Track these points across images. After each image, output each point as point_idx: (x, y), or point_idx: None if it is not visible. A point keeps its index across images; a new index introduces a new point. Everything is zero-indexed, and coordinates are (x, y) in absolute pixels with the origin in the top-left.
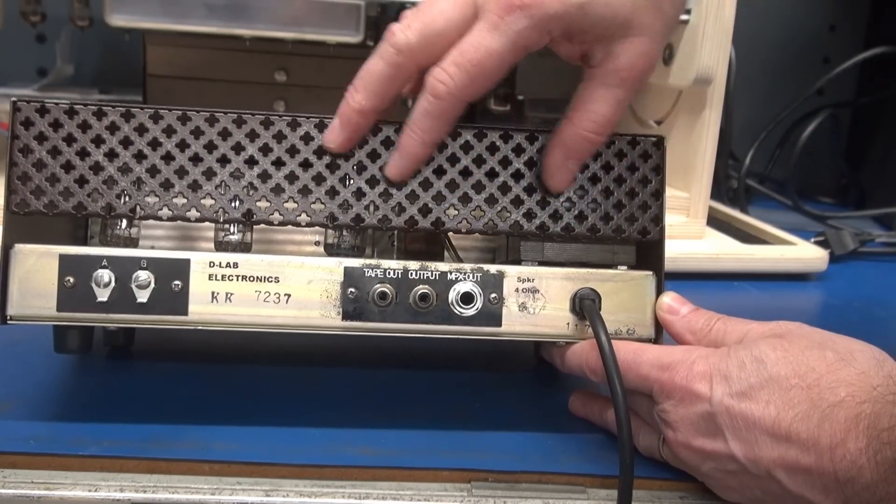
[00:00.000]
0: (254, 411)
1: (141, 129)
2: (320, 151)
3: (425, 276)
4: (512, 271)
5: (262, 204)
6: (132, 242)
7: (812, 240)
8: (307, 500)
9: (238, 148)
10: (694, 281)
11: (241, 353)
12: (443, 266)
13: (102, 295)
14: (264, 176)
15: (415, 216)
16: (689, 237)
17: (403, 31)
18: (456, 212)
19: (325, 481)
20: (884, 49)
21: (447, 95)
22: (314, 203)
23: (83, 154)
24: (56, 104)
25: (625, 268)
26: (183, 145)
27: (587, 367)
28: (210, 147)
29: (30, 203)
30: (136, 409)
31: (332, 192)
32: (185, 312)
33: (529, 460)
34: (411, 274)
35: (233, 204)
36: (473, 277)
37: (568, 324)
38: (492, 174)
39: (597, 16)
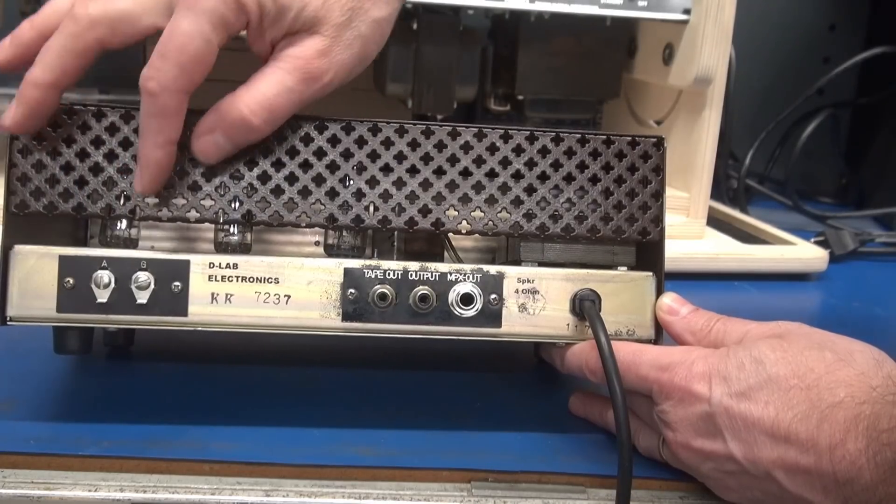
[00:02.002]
0: (254, 411)
1: None
2: (320, 152)
3: (425, 276)
4: (512, 272)
5: (262, 205)
6: (132, 243)
7: (812, 240)
8: (307, 500)
9: None
10: (694, 281)
11: (241, 353)
12: (443, 267)
13: (102, 296)
14: (264, 177)
15: (415, 217)
16: (689, 237)
17: (84, 4)
18: (456, 212)
19: (325, 481)
20: (884, 49)
21: (161, 90)
22: (314, 204)
23: (83, 155)
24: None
25: (625, 269)
26: (182, 146)
27: (587, 368)
28: None
29: (29, 204)
30: (136, 409)
31: (332, 193)
32: (185, 313)
33: (529, 460)
34: (411, 275)
35: (232, 205)
36: (473, 278)
37: (568, 325)
38: (492, 174)
39: (283, 6)
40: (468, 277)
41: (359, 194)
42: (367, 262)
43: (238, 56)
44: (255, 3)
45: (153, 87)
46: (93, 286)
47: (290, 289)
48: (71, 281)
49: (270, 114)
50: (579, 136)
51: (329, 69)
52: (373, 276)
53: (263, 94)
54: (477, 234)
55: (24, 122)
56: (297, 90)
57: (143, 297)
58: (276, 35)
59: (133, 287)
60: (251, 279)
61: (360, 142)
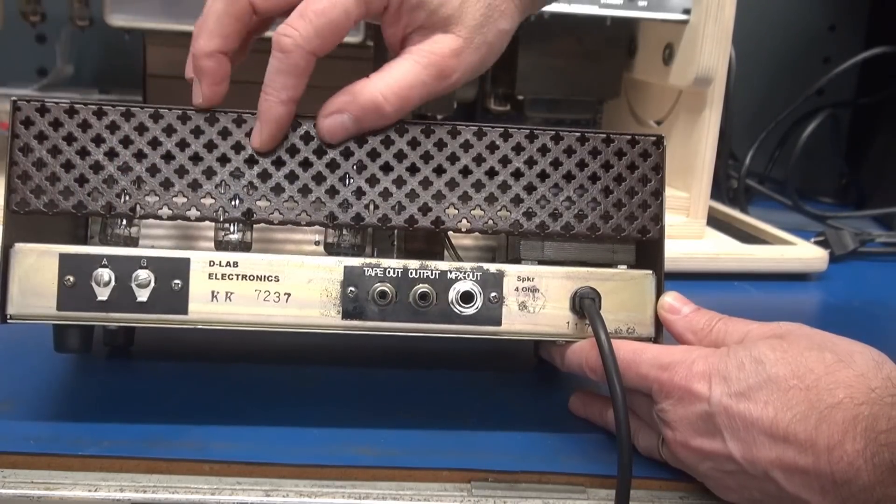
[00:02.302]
0: (254, 411)
1: (141, 129)
2: (320, 151)
3: (425, 275)
4: (512, 270)
5: (262, 203)
6: (132, 241)
7: (812, 240)
8: (307, 500)
9: (238, 147)
10: (694, 281)
11: (241, 353)
12: (443, 265)
13: (102, 294)
14: (264, 175)
15: (415, 215)
16: (689, 237)
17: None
18: (456, 211)
19: (325, 481)
20: (884, 49)
21: (294, 47)
22: (314, 202)
23: (83, 153)
24: (56, 103)
25: (624, 267)
26: (183, 144)
27: (587, 366)
28: (210, 146)
29: (30, 202)
30: (136, 409)
31: (332, 192)
32: (185, 311)
33: (529, 460)
34: (411, 273)
35: (233, 203)
36: (473, 276)
37: (568, 323)
38: (491, 173)
39: None
40: (468, 276)
41: (359, 193)
42: (367, 260)
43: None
44: None
45: (287, 44)
46: (93, 284)
47: (290, 287)
48: (71, 279)
49: (402, 102)
50: (579, 134)
51: (458, 69)
52: (373, 275)
53: (398, 82)
54: (477, 233)
55: (211, 94)
56: (428, 84)
57: (143, 296)
58: (411, 25)
59: (133, 285)
60: (251, 277)
61: (360, 140)
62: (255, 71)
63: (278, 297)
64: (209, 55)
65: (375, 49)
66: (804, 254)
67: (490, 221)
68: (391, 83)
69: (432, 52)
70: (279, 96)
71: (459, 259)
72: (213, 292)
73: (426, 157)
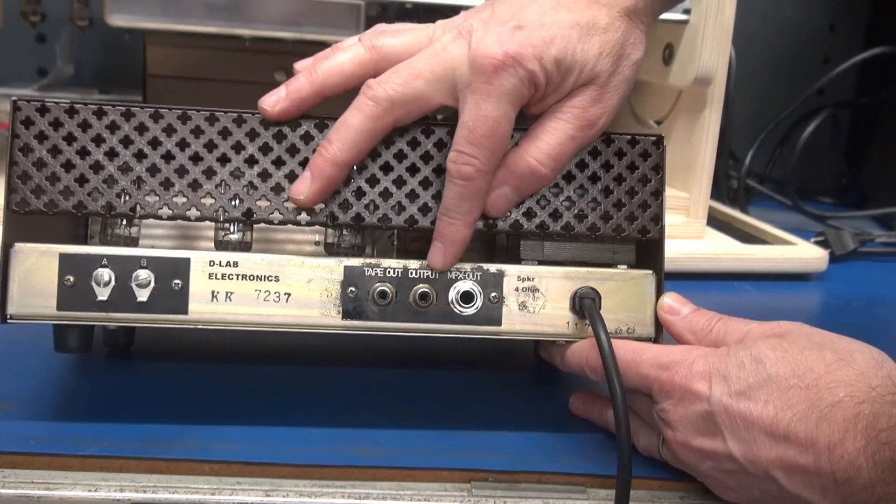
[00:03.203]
0: (254, 411)
1: (141, 129)
2: None
3: (425, 275)
4: (512, 270)
5: (262, 203)
6: (132, 241)
7: (812, 240)
8: (307, 500)
9: (238, 147)
10: (694, 281)
11: (241, 353)
12: None
13: (102, 294)
14: (264, 175)
15: (414, 215)
16: (689, 237)
17: (383, 86)
18: None
19: (325, 481)
20: (884, 49)
21: (477, 174)
22: None
23: (83, 153)
24: (56, 103)
25: (625, 267)
26: (183, 144)
27: (587, 366)
28: (210, 146)
29: (30, 202)
30: (136, 409)
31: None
32: (185, 311)
33: (529, 460)
34: (411, 273)
35: (233, 203)
36: (473, 276)
37: (568, 323)
38: None
39: (568, 67)
40: (468, 276)
41: (359, 193)
42: (368, 260)
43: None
44: (544, 74)
45: (470, 172)
46: (93, 284)
47: (290, 287)
48: (71, 279)
49: (556, 162)
50: None
51: (603, 114)
52: (373, 275)
53: (549, 144)
54: (477, 232)
55: (318, 198)
56: (577, 137)
57: (143, 295)
58: (557, 99)
59: (133, 285)
60: (251, 277)
61: None
62: (255, 71)
63: (278, 296)
64: (338, 165)
65: None
66: (804, 254)
67: (490, 221)
68: (542, 147)
69: (573, 105)
70: (465, 220)
71: (459, 259)
72: (213, 292)
73: (426, 158)
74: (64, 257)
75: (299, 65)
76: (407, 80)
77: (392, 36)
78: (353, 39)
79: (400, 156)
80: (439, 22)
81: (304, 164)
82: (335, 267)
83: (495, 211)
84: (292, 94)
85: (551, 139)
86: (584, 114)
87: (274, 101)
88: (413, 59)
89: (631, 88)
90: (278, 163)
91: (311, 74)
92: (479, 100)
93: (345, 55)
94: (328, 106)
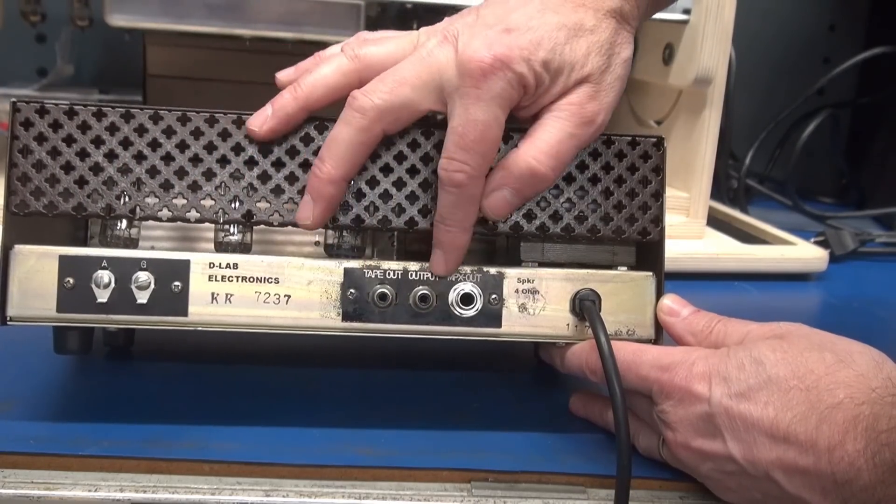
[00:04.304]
0: (254, 411)
1: (141, 130)
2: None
3: (425, 276)
4: (512, 272)
5: (262, 205)
6: (132, 243)
7: (812, 240)
8: (307, 500)
9: (238, 149)
10: (694, 281)
11: (241, 353)
12: None
13: (102, 296)
14: (264, 177)
15: (414, 217)
16: (689, 237)
17: (368, 96)
18: None
19: (325, 481)
20: (884, 49)
21: (469, 180)
22: None
23: (83, 155)
24: (56, 105)
25: (625, 269)
26: (183, 146)
27: (587, 368)
28: (210, 148)
29: (29, 204)
30: (136, 409)
31: None
32: (185, 313)
33: (529, 460)
34: (411, 275)
35: (233, 205)
36: (473, 278)
37: (568, 325)
38: None
39: (557, 69)
40: (468, 277)
41: (359, 194)
42: (368, 262)
43: (240, 57)
44: (533, 76)
45: (462, 179)
46: (93, 286)
47: (290, 289)
48: (71, 281)
49: (556, 161)
50: None
51: (600, 111)
52: (373, 276)
53: (547, 142)
54: (477, 234)
55: (322, 219)
56: (576, 134)
57: (143, 297)
58: (549, 100)
59: (133, 287)
60: (251, 279)
61: None
62: (255, 71)
63: (278, 298)
64: (334, 182)
65: None
66: (804, 254)
67: (490, 223)
68: (540, 146)
69: (570, 102)
70: (462, 226)
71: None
72: (212, 294)
73: (426, 159)
74: (64, 259)
75: (282, 76)
76: (393, 87)
77: (375, 44)
78: (336, 48)
79: (400, 157)
80: (422, 29)
81: (303, 165)
82: (335, 269)
83: (496, 215)
84: (278, 113)
85: (549, 137)
86: (581, 110)
87: (261, 121)
88: (398, 66)
89: (624, 88)
90: (278, 164)
91: (295, 90)
92: (469, 104)
93: (328, 67)
94: (334, 107)
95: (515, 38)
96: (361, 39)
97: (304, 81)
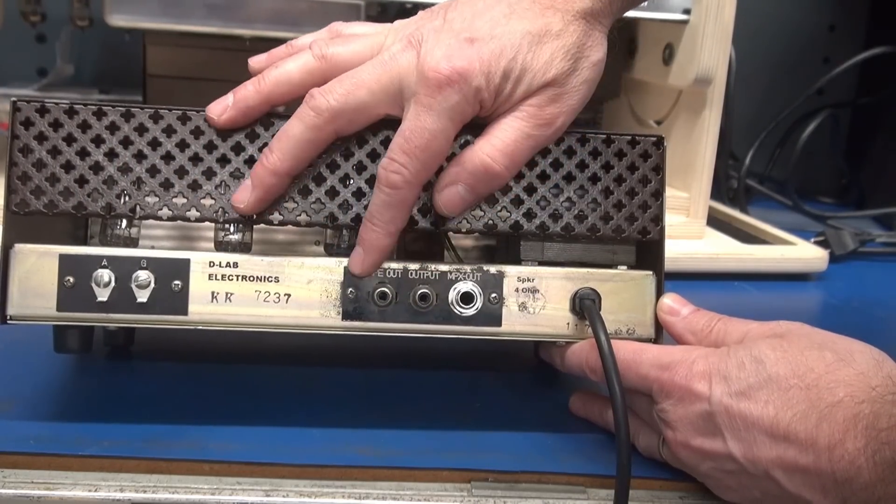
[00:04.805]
0: (254, 411)
1: (141, 129)
2: None
3: (425, 275)
4: (512, 271)
5: None
6: (132, 242)
7: (812, 240)
8: (307, 500)
9: (238, 148)
10: (694, 281)
11: (240, 353)
12: (443, 266)
13: (102, 295)
14: None
15: (414, 216)
16: (689, 237)
17: (324, 95)
18: None
19: (325, 481)
20: (884, 49)
21: (404, 184)
22: (314, 203)
23: (83, 154)
24: (56, 104)
25: (625, 268)
26: (183, 145)
27: (587, 367)
28: (210, 147)
29: (30, 203)
30: (136, 409)
31: (332, 192)
32: (185, 312)
33: (529, 460)
34: (411, 274)
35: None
36: (473, 277)
37: (568, 324)
38: None
39: (517, 77)
40: (468, 276)
41: (359, 193)
42: None
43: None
44: (491, 88)
45: (397, 181)
46: (93, 285)
47: (290, 288)
48: (71, 280)
49: (510, 159)
50: (579, 135)
51: (560, 114)
52: (373, 275)
53: (503, 140)
54: (477, 233)
55: (258, 206)
56: (533, 135)
57: (143, 296)
58: (510, 107)
59: (133, 286)
60: (251, 278)
61: (361, 141)
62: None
63: (278, 297)
64: (277, 174)
65: None
66: (804, 254)
67: (490, 222)
68: (496, 143)
69: (529, 104)
70: (387, 229)
71: (459, 260)
72: (213, 293)
73: None
74: (64, 258)
75: (254, 63)
76: (350, 90)
77: (342, 43)
78: (309, 38)
79: None
80: (392, 26)
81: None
82: (335, 268)
83: (448, 210)
84: (239, 104)
85: (505, 136)
86: (539, 112)
87: (221, 109)
88: (359, 68)
89: (593, 90)
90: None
91: (259, 84)
92: (420, 111)
93: (294, 63)
94: None
95: (477, 50)
96: (331, 36)
97: (269, 76)
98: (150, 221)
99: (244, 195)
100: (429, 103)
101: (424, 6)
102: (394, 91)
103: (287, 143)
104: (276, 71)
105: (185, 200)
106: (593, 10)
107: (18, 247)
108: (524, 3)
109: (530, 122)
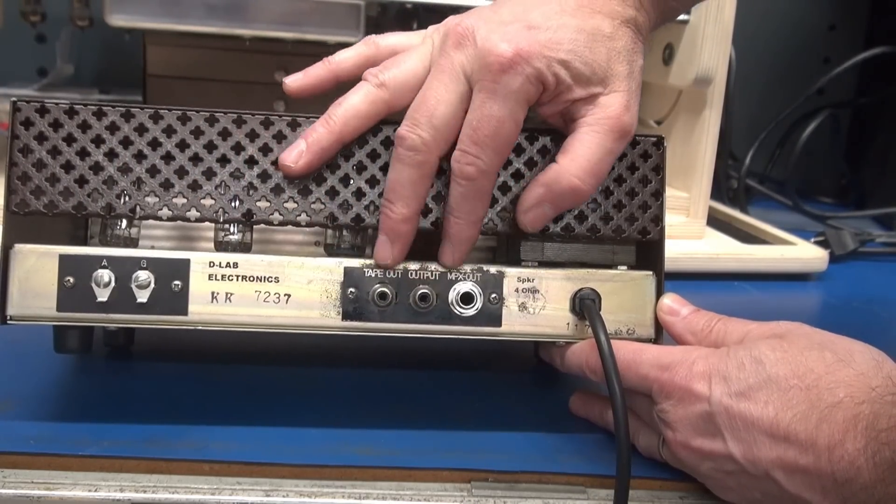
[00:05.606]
0: (254, 411)
1: (141, 129)
2: None
3: (425, 276)
4: (512, 271)
5: (262, 204)
6: (132, 242)
7: (812, 240)
8: (307, 500)
9: (238, 148)
10: (694, 281)
11: (241, 353)
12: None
13: (102, 295)
14: (264, 176)
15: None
16: (689, 237)
17: (413, 131)
18: None
19: (325, 481)
20: (884, 49)
21: (479, 174)
22: (314, 203)
23: (83, 154)
24: (56, 104)
25: (625, 268)
26: (183, 145)
27: (587, 367)
28: (210, 147)
29: (30, 203)
30: (136, 409)
31: (332, 193)
32: (185, 312)
33: (529, 460)
34: (411, 274)
35: (233, 204)
36: (473, 277)
37: (568, 324)
38: None
39: (577, 71)
40: (468, 277)
41: (359, 193)
42: (368, 261)
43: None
44: (551, 73)
45: (472, 173)
46: (93, 285)
47: (290, 288)
48: (71, 280)
49: (597, 178)
50: None
51: (633, 121)
52: (373, 276)
53: (588, 160)
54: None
55: (401, 258)
56: (615, 149)
57: (143, 296)
58: (570, 100)
59: (133, 286)
60: (251, 278)
61: (361, 141)
62: (255, 71)
63: (278, 297)
64: (409, 220)
65: None
66: (804, 254)
67: (490, 222)
68: (582, 164)
69: (607, 116)
70: (469, 219)
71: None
72: (212, 293)
73: None
74: (64, 258)
75: (291, 84)
76: (431, 113)
77: (395, 65)
78: (345, 55)
79: None
80: (429, 31)
81: None
82: (335, 268)
83: (532, 228)
84: (313, 147)
85: (591, 154)
86: (618, 124)
87: (296, 156)
88: (426, 87)
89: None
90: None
91: (329, 123)
92: (485, 98)
93: (356, 97)
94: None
95: (536, 35)
96: (368, 47)
97: (336, 114)
98: (150, 222)
99: (385, 252)
100: (492, 88)
101: (425, 6)
102: (464, 90)
103: (403, 189)
104: (342, 108)
105: (185, 200)
106: (637, 20)
107: (18, 247)
108: (572, 4)
109: (611, 136)
